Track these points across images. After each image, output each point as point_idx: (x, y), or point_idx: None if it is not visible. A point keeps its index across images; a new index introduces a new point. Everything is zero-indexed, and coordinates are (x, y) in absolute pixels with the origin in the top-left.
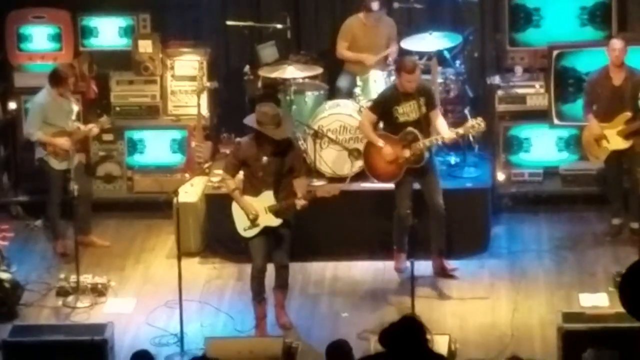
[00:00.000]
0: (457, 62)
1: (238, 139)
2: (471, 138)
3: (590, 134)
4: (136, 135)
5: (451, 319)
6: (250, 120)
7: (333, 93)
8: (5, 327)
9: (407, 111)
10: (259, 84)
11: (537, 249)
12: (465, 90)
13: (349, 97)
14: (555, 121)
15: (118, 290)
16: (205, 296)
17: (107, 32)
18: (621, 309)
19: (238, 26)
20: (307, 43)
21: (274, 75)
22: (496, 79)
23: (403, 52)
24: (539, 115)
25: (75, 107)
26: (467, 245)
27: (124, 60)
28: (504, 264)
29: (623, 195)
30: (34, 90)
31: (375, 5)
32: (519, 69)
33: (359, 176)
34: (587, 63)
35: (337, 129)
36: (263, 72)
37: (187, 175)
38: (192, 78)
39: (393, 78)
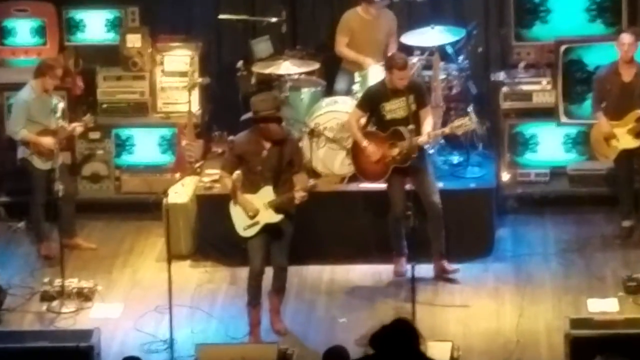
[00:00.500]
0: (460, 58)
1: (231, 137)
2: (474, 136)
3: (599, 133)
4: (124, 133)
5: (454, 325)
6: (248, 115)
7: (330, 90)
8: None
9: (394, 108)
10: (253, 80)
11: (544, 252)
12: (468, 87)
13: (347, 95)
14: (563, 119)
15: (105, 294)
16: (197, 301)
17: (94, 25)
18: (631, 315)
19: (231, 20)
20: (304, 37)
21: (268, 71)
22: (501, 75)
23: (403, 48)
24: (546, 113)
25: (61, 104)
26: (470, 248)
27: (111, 56)
28: (509, 268)
29: (633, 196)
30: (17, 87)
31: None
32: (524, 65)
33: (357, 176)
34: (596, 58)
35: (334, 127)
36: (257, 68)
37: (177, 175)
38: (183, 74)
39: None
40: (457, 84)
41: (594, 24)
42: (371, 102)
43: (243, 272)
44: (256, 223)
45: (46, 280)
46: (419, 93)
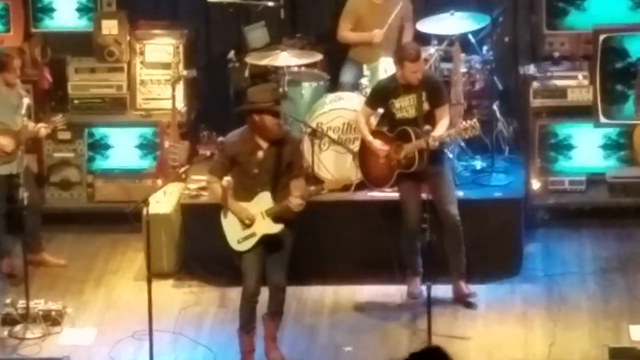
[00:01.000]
0: (484, 48)
1: (221, 138)
2: (501, 139)
3: None
4: (98, 133)
5: (475, 355)
6: (243, 107)
7: (334, 84)
8: None
9: (404, 106)
10: (246, 73)
11: (580, 272)
12: (493, 82)
13: (354, 90)
14: (602, 119)
15: (75, 318)
16: (181, 326)
17: (64, 10)
18: None
19: (221, 3)
20: (304, 24)
21: (264, 62)
22: (531, 69)
23: (418, 36)
24: (582, 112)
25: (26, 100)
26: (495, 266)
27: (84, 44)
28: (539, 290)
29: None
30: None
31: None
32: (558, 57)
33: (365, 184)
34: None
35: (339, 127)
36: (251, 59)
37: (159, 181)
38: (166, 65)
39: None
40: (481, 79)
41: (636, 11)
42: (380, 98)
43: (234, 293)
44: (252, 235)
45: (8, 301)
46: (433, 89)
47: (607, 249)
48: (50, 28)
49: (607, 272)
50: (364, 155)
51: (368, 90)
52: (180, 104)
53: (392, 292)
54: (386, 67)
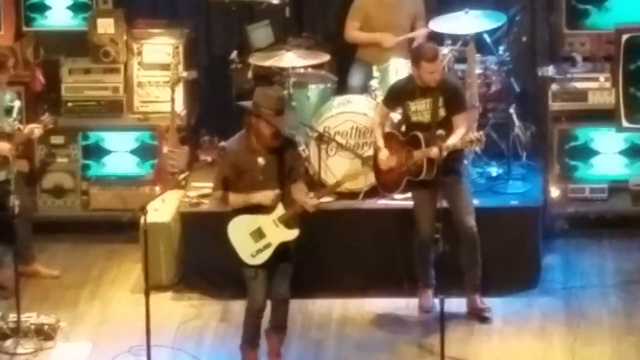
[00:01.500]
0: (501, 49)
1: (222, 143)
2: (518, 144)
3: None
4: (93, 137)
5: None
6: (245, 104)
7: (342, 86)
8: None
9: (420, 109)
10: (250, 75)
11: (601, 285)
12: (510, 84)
13: (364, 92)
14: (624, 123)
15: (69, 332)
16: (180, 340)
17: (58, 8)
18: None
19: (223, 1)
20: (311, 23)
21: (268, 63)
22: (550, 70)
23: (431, 36)
24: (604, 116)
25: (17, 102)
26: (512, 279)
27: (78, 44)
28: (558, 303)
29: None
30: None
31: None
32: (578, 58)
33: (375, 191)
34: None
35: (347, 132)
36: (254, 60)
37: (157, 188)
38: (165, 67)
39: None
40: (497, 80)
41: None
42: (397, 98)
43: (236, 306)
44: (268, 245)
45: None
46: (452, 95)
47: (630, 261)
48: (43, 27)
49: (630, 285)
50: (376, 159)
51: (378, 93)
52: (180, 107)
53: (402, 305)
54: (397, 68)
